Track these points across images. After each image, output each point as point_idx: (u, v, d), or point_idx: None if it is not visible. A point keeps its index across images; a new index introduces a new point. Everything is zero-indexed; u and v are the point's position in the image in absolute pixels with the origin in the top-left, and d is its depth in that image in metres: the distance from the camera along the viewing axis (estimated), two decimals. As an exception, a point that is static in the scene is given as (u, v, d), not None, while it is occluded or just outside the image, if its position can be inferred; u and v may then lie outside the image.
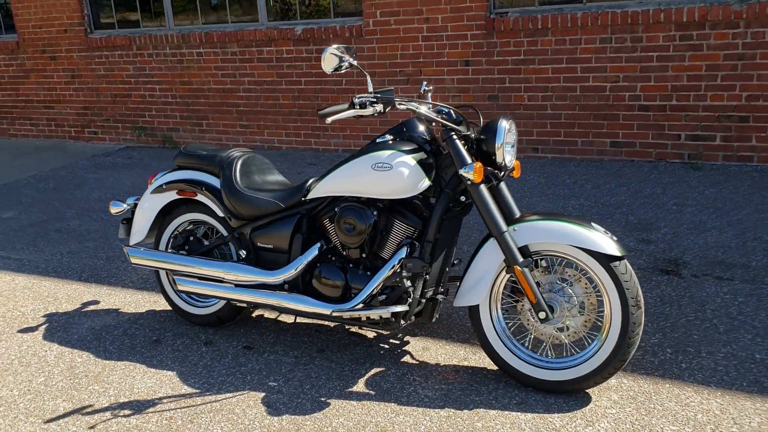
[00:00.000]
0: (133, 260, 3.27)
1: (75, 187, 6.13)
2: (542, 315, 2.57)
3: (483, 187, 2.61)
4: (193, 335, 3.28)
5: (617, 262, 2.49)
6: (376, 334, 3.16)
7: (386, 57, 6.21)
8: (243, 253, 3.06)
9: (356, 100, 2.59)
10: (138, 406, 2.72)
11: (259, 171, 3.18)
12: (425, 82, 3.04)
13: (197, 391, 2.80)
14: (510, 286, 2.74)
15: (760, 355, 2.79)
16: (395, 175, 2.66)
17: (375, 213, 2.76)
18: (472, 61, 5.89)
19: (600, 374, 2.55)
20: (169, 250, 3.32)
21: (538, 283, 2.65)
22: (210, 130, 7.26)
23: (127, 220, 3.43)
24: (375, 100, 2.60)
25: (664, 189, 4.85)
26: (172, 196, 3.23)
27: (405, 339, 3.11)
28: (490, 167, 2.68)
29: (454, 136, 2.66)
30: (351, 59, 2.63)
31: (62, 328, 3.43)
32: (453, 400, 2.64)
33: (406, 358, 2.95)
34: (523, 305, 2.68)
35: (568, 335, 2.65)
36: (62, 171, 6.75)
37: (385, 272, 2.70)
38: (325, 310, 2.80)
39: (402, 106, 2.65)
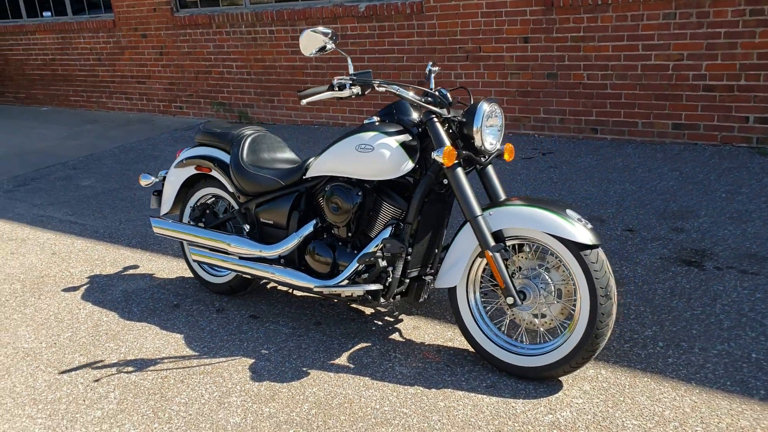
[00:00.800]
0: (155, 230, 3.52)
1: (152, 159, 6.55)
2: (510, 300, 2.56)
3: (459, 171, 2.62)
4: (209, 302, 3.50)
5: (588, 251, 2.45)
6: (373, 311, 3.25)
7: (446, 33, 6.18)
8: (247, 227, 3.22)
9: (334, 82, 2.66)
10: (141, 364, 2.96)
11: (268, 149, 3.31)
12: (431, 63, 3.06)
13: (196, 354, 3.01)
14: (489, 270, 2.74)
15: (756, 355, 2.65)
16: (377, 156, 2.72)
17: (360, 194, 2.83)
18: (531, 38, 5.75)
19: (568, 363, 2.52)
20: (189, 222, 3.54)
21: (519, 268, 2.64)
22: (281, 107, 7.51)
23: (159, 192, 3.68)
24: (351, 82, 2.65)
25: (719, 175, 4.58)
26: (191, 171, 3.44)
27: (399, 317, 3.18)
28: (472, 151, 2.68)
29: (434, 119, 2.68)
30: (330, 43, 2.69)
31: (100, 289, 3.74)
32: (425, 378, 2.69)
33: (395, 336, 3.02)
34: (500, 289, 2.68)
35: (545, 322, 2.63)
36: (144, 143, 7.22)
37: (367, 251, 2.78)
38: (310, 284, 2.92)
39: (381, 89, 2.69)
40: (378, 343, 2.98)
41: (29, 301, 3.67)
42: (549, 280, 2.60)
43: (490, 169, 2.77)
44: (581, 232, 2.43)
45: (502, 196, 2.74)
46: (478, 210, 2.59)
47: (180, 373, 2.87)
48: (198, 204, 3.53)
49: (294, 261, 3.08)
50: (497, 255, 2.56)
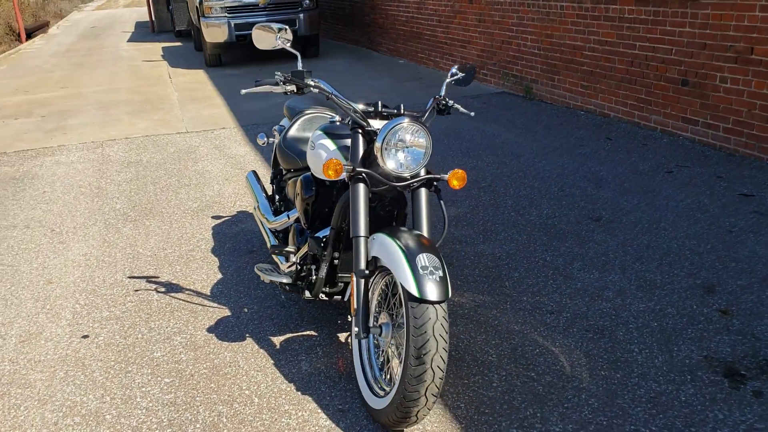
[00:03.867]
0: (246, 182, 4.08)
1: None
2: (355, 330, 2.44)
3: (359, 186, 2.53)
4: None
5: (415, 304, 2.19)
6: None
7: (718, 27, 5.15)
8: (276, 197, 3.55)
9: (275, 77, 2.75)
10: (188, 294, 3.59)
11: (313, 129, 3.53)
12: (455, 67, 2.93)
13: (222, 297, 3.52)
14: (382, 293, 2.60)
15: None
16: (315, 155, 2.80)
17: (314, 188, 2.92)
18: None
19: (387, 417, 2.33)
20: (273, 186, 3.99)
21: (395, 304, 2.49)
22: (558, 87, 7.20)
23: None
24: (284, 79, 2.70)
25: None
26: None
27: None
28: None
29: (357, 131, 2.61)
30: (279, 41, 2.77)
31: (231, 233, 4.49)
32: (302, 382, 2.75)
33: (340, 335, 3.07)
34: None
35: (396, 364, 2.44)
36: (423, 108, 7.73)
37: (278, 245, 2.91)
38: (260, 264, 3.17)
39: (316, 90, 2.69)
40: (318, 338, 3.06)
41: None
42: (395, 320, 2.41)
43: (422, 193, 2.57)
44: (416, 280, 2.19)
45: (422, 225, 2.54)
46: (361, 231, 2.49)
47: (207, 311, 3.43)
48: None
49: (286, 238, 3.32)
50: (360, 280, 2.45)
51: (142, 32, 18.89)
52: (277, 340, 3.05)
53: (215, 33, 10.83)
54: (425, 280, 2.21)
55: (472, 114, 3.03)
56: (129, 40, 16.89)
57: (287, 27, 2.80)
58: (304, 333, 3.10)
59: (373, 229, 2.62)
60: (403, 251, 2.29)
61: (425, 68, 10.13)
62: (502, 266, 3.64)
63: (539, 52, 7.44)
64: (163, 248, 4.10)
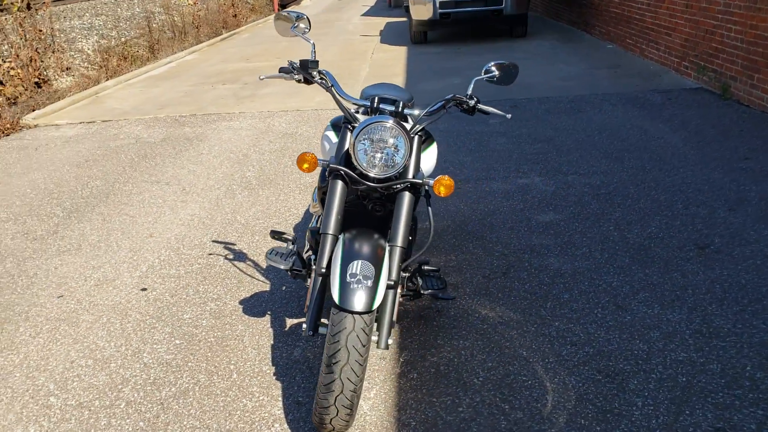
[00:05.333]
0: None
1: (577, 114, 6.59)
2: (304, 327, 2.44)
3: (336, 184, 2.50)
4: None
5: (335, 311, 2.15)
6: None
7: None
8: None
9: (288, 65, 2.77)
10: (247, 264, 3.86)
11: None
12: (491, 64, 2.78)
13: (272, 273, 3.72)
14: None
15: None
16: (322, 146, 2.83)
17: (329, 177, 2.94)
18: None
19: (312, 418, 2.32)
20: None
21: None
22: (758, 87, 6.21)
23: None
24: (292, 68, 2.71)
25: None
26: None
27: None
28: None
29: (347, 127, 2.57)
30: (294, 29, 2.78)
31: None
32: (283, 368, 2.82)
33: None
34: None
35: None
36: (596, 99, 7.16)
37: (278, 230, 2.95)
38: (276, 247, 3.24)
39: (316, 82, 2.67)
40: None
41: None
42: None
43: (403, 197, 2.48)
44: (341, 287, 2.15)
45: (396, 230, 2.45)
46: (329, 228, 2.46)
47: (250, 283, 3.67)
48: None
49: None
50: (317, 277, 2.45)
51: (381, 6, 19.79)
52: (291, 322, 3.14)
53: (420, 10, 11.00)
54: (348, 288, 2.15)
55: (509, 116, 2.79)
56: (363, 14, 17.81)
57: (305, 15, 2.81)
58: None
59: (364, 225, 2.57)
60: (342, 255, 2.24)
61: (631, 55, 9.32)
62: (556, 285, 3.33)
63: (741, 45, 6.47)
64: (258, 218, 4.38)
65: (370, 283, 2.17)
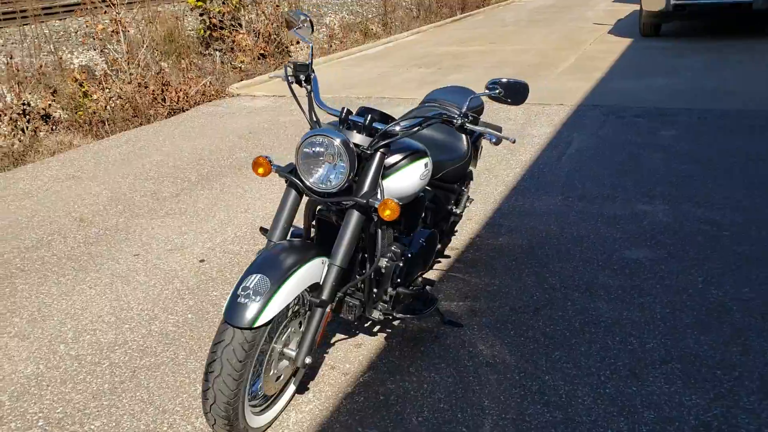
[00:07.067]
0: None
1: (762, 134, 5.58)
2: None
3: (288, 191, 2.49)
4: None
5: (222, 321, 2.17)
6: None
7: None
8: None
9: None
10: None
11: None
12: (498, 80, 2.54)
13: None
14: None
15: None
16: None
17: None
18: None
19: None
20: None
21: None
22: None
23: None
24: (288, 69, 2.68)
25: None
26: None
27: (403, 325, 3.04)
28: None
29: None
30: (296, 29, 2.72)
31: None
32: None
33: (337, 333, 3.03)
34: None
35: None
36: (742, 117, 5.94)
37: None
38: None
39: (309, 87, 2.62)
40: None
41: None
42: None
43: (350, 215, 2.39)
44: (230, 299, 2.17)
45: (338, 248, 2.38)
46: (274, 236, 2.47)
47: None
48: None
49: None
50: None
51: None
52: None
53: (651, 0, 9.99)
54: (236, 301, 2.14)
55: (513, 141, 2.51)
56: (617, 0, 16.65)
57: (309, 17, 2.75)
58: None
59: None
60: (249, 266, 2.24)
61: None
62: (582, 333, 2.91)
63: None
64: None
65: (259, 299, 2.13)
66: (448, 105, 3.38)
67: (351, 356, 2.86)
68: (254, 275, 2.18)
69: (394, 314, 2.70)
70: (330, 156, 2.31)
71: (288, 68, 2.69)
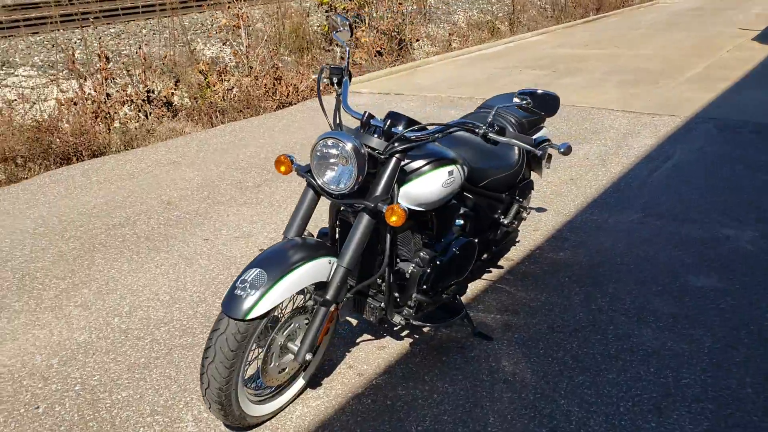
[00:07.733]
0: None
1: None
2: None
3: (306, 189, 2.56)
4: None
5: (221, 309, 2.27)
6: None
7: None
8: None
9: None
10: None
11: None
12: (525, 91, 2.49)
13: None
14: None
15: None
16: None
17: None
18: None
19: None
20: None
21: None
22: None
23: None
24: (324, 72, 2.73)
25: None
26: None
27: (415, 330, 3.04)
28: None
29: None
30: (335, 32, 2.75)
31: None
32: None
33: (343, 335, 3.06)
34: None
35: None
36: None
37: None
38: None
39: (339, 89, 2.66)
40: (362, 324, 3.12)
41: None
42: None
43: (360, 218, 2.42)
44: (229, 290, 2.27)
45: (346, 250, 2.42)
46: (290, 232, 2.54)
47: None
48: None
49: None
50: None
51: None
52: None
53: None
54: (233, 293, 2.22)
55: (539, 153, 2.43)
56: (773, 4, 15.34)
57: (349, 22, 2.77)
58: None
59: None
60: (252, 260, 2.32)
61: None
62: (614, 361, 2.75)
63: None
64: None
65: (255, 293, 2.20)
66: (504, 112, 3.31)
67: (371, 357, 2.87)
68: (254, 269, 2.25)
69: (412, 321, 2.69)
70: (343, 159, 2.33)
71: (325, 70, 2.75)
